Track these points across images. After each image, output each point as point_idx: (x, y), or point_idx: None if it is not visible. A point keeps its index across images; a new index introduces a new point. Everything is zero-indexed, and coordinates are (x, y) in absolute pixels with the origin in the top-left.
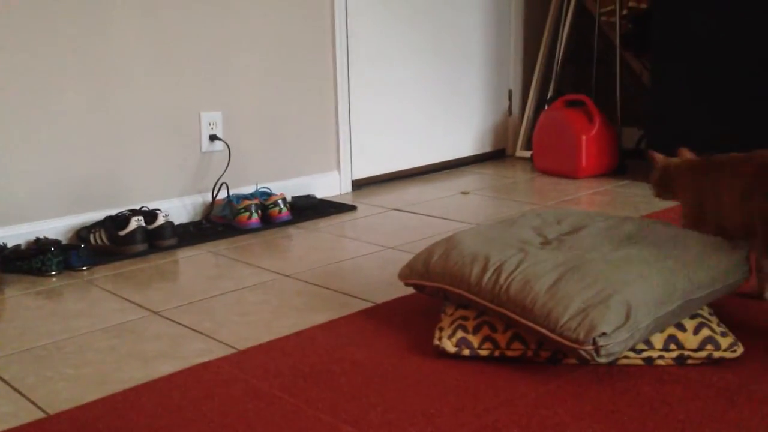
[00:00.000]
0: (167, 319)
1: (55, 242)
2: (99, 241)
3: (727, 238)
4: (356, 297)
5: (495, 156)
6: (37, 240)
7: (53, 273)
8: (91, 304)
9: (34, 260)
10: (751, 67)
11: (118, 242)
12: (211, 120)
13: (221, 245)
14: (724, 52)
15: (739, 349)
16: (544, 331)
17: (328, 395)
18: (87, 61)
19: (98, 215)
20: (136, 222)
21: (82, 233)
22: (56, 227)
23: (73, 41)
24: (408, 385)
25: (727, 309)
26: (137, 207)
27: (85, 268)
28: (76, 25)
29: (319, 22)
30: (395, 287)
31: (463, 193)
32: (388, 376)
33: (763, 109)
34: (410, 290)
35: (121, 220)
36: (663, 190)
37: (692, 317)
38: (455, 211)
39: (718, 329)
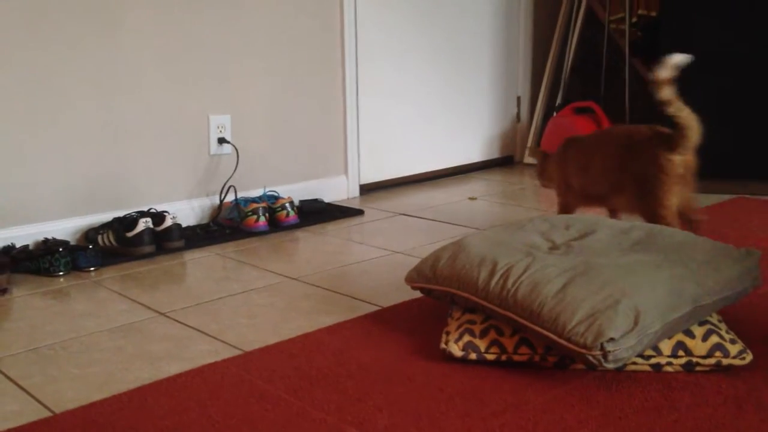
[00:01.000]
0: (174, 320)
1: (64, 243)
2: (107, 242)
3: (590, 203)
4: (363, 300)
5: (503, 162)
6: (46, 240)
7: (61, 273)
8: (98, 304)
9: (42, 260)
10: (761, 75)
11: (125, 243)
12: (220, 123)
13: (228, 248)
14: (733, 60)
15: (748, 357)
16: (551, 335)
17: (334, 397)
18: (97, 63)
19: (106, 216)
20: (144, 224)
21: (90, 234)
22: (64, 228)
23: (83, 44)
24: (414, 389)
25: (736, 316)
26: (145, 209)
27: (92, 268)
28: (85, 28)
29: (329, 27)
30: (402, 291)
31: (471, 198)
32: (394, 379)
33: None
34: (417, 294)
35: (129, 221)
36: (543, 179)
37: (701, 324)
38: (463, 216)
39: (727, 336)
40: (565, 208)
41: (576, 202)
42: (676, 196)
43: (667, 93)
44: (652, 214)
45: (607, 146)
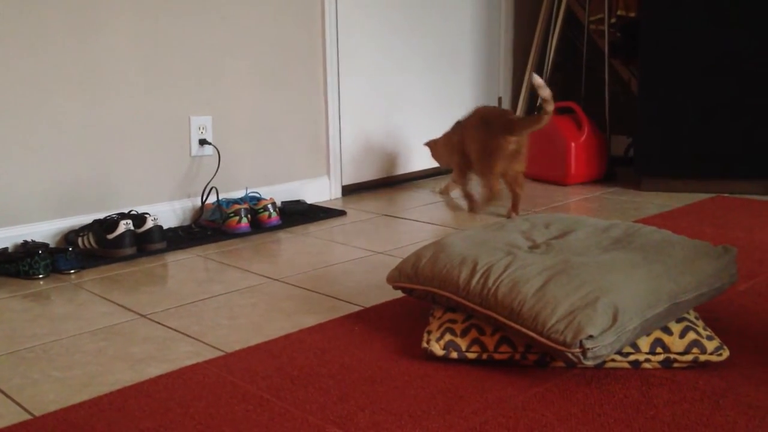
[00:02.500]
0: (155, 322)
1: (43, 245)
2: (87, 244)
3: (465, 170)
4: (345, 301)
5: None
6: (25, 243)
7: (41, 276)
8: (79, 307)
9: (22, 263)
10: (738, 75)
11: (106, 246)
12: (201, 124)
13: (210, 249)
14: (711, 60)
15: (725, 353)
16: (531, 333)
17: (316, 397)
18: (78, 64)
19: (87, 219)
20: (124, 226)
21: (70, 237)
22: (44, 230)
23: (63, 45)
24: (396, 388)
25: (713, 313)
26: (126, 211)
27: (72, 271)
28: (67, 30)
29: (310, 28)
30: (384, 291)
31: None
32: (377, 379)
33: (749, 116)
34: (399, 294)
35: (109, 223)
36: (438, 159)
37: (678, 321)
38: (445, 216)
39: (704, 333)
40: (459, 178)
41: (462, 172)
42: (502, 167)
43: (544, 93)
44: (483, 176)
45: (471, 125)
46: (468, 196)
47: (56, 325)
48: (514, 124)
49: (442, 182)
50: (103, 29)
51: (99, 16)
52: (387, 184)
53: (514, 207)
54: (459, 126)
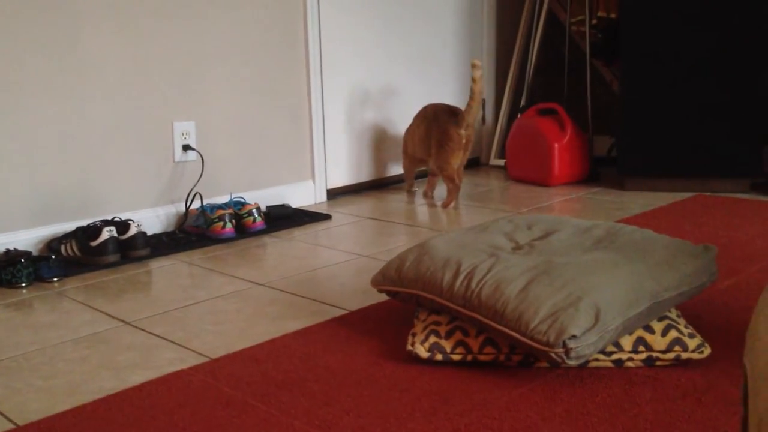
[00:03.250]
0: (139, 329)
1: (25, 253)
2: (70, 252)
3: (419, 164)
4: (330, 305)
5: (469, 164)
6: (7, 251)
7: (23, 285)
8: (62, 315)
9: (4, 272)
10: (717, 75)
11: (89, 253)
12: (184, 130)
13: (195, 255)
14: (692, 61)
15: (707, 350)
16: (515, 334)
17: (301, 401)
18: (59, 70)
19: (69, 226)
20: (107, 232)
21: (52, 244)
22: (26, 238)
23: (44, 51)
24: (381, 391)
25: (694, 311)
26: (109, 217)
27: (55, 279)
28: (48, 35)
29: (292, 32)
30: (369, 295)
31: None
32: (362, 382)
33: (729, 115)
34: (384, 297)
35: (92, 230)
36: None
37: (660, 319)
38: (429, 219)
39: (686, 331)
40: (406, 170)
41: (411, 165)
42: (458, 159)
43: (477, 74)
44: (441, 170)
45: (423, 120)
46: (410, 191)
47: (39, 334)
48: (462, 114)
49: (423, 185)
50: (85, 35)
51: (80, 21)
52: (372, 187)
53: (458, 191)
54: (413, 121)
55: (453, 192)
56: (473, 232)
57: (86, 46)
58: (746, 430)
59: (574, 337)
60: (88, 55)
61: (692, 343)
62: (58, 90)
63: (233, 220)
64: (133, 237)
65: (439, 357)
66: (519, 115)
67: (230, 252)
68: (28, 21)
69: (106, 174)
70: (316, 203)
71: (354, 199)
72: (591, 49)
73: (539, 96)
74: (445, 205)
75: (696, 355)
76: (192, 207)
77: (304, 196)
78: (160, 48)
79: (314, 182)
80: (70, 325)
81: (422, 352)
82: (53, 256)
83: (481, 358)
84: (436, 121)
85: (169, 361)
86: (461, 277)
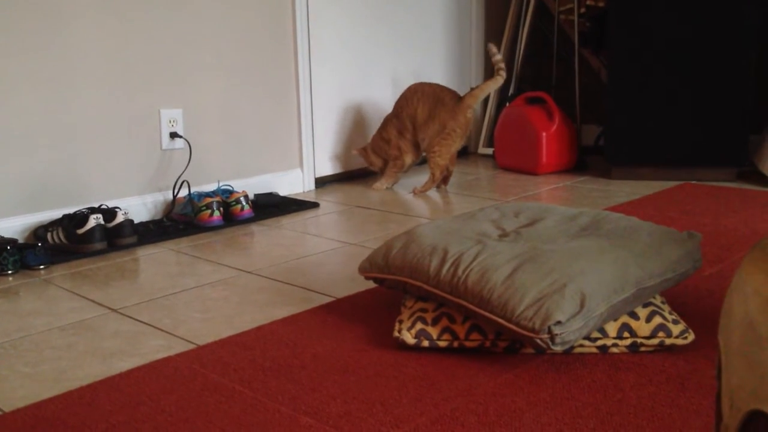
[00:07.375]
0: (126, 316)
1: (12, 241)
2: (56, 239)
3: (390, 158)
4: (317, 292)
5: (458, 153)
6: None
7: (9, 272)
8: (49, 302)
9: None
10: (705, 65)
11: (76, 241)
12: (172, 117)
13: (182, 243)
14: (679, 50)
15: (690, 336)
16: (501, 320)
17: (288, 388)
18: (45, 57)
19: (56, 213)
20: (94, 220)
21: (39, 232)
22: (13, 226)
23: (30, 38)
24: (368, 377)
25: (678, 297)
26: (96, 205)
27: (42, 267)
28: (32, 22)
29: (280, 19)
30: (356, 282)
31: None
32: (348, 369)
33: (716, 105)
34: (371, 285)
35: (79, 218)
36: (373, 164)
37: (645, 306)
38: (417, 207)
39: (670, 317)
40: (398, 168)
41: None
42: (458, 147)
43: (496, 56)
44: (438, 156)
45: (424, 98)
46: (382, 171)
47: (26, 321)
48: (466, 97)
49: (418, 183)
50: (70, 23)
51: (66, 9)
52: (360, 175)
53: (436, 183)
54: (397, 113)
55: (433, 183)
56: (460, 220)
57: (73, 34)
58: (719, 404)
59: (559, 323)
60: (75, 43)
61: (676, 329)
62: (44, 77)
63: (221, 208)
64: (120, 225)
65: (425, 343)
66: (507, 104)
67: (217, 240)
68: (12, 9)
69: (93, 161)
70: (304, 191)
71: (342, 188)
72: (580, 37)
73: (528, 85)
74: (418, 192)
75: (680, 341)
76: (179, 195)
77: (292, 184)
78: (147, 35)
79: (302, 170)
80: (56, 313)
81: (409, 338)
82: (40, 244)
83: (468, 344)
84: (441, 103)
85: (156, 348)
86: (448, 264)
